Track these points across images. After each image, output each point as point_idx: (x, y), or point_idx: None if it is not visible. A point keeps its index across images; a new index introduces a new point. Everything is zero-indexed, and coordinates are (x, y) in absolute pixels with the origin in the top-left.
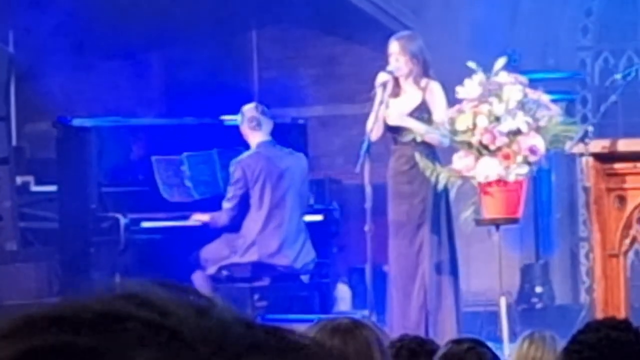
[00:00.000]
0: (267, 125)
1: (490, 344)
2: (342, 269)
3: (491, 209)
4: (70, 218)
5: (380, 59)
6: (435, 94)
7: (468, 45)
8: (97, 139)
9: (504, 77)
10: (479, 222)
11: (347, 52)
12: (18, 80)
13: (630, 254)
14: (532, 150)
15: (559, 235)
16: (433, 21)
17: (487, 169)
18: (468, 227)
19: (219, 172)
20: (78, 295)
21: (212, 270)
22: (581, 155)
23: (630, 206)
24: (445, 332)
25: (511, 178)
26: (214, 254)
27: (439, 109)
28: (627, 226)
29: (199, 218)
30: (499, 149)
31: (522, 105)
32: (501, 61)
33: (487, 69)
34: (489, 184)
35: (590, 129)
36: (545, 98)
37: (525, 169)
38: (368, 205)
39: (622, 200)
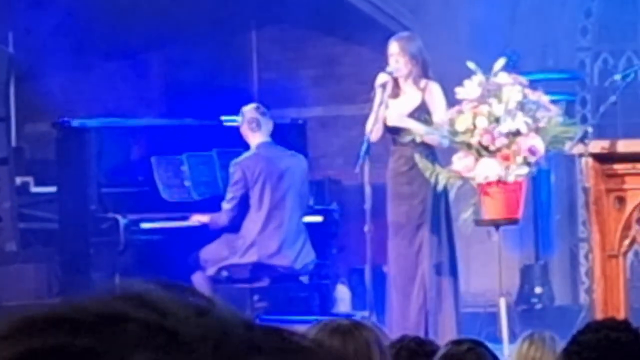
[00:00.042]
0: (267, 126)
1: (489, 345)
2: (342, 269)
3: (491, 209)
4: (69, 219)
5: (379, 60)
6: (434, 94)
7: (467, 46)
8: (96, 139)
9: (503, 77)
10: (478, 223)
11: (346, 53)
12: (18, 81)
13: (630, 255)
14: (532, 151)
15: (559, 236)
16: (432, 21)
17: (487, 169)
18: (468, 227)
19: (219, 172)
20: (78, 295)
21: (211, 271)
22: (580, 156)
23: (629, 207)
24: (445, 333)
25: (511, 179)
26: (214, 254)
27: (439, 109)
28: (627, 227)
29: (198, 219)
30: (498, 149)
31: (521, 106)
32: (501, 62)
33: (487, 69)
34: (489, 184)
35: (590, 129)
36: (545, 99)
37: (524, 170)
38: (367, 206)
39: (621, 201)
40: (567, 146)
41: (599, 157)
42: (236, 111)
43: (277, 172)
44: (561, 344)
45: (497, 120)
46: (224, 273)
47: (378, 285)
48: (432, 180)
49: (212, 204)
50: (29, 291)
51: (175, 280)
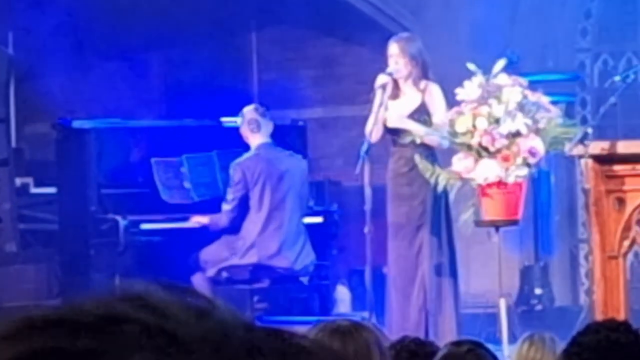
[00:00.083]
0: (267, 127)
1: (489, 346)
2: (342, 270)
3: (491, 210)
4: (69, 220)
5: (379, 61)
6: (434, 95)
7: (467, 47)
8: (96, 140)
9: (503, 79)
10: (478, 224)
11: (346, 54)
12: (17, 82)
13: (630, 256)
14: (532, 152)
15: (559, 237)
16: (432, 22)
17: (487, 170)
18: (468, 228)
19: (219, 173)
20: (78, 296)
21: (211, 272)
22: (580, 157)
23: (629, 208)
24: (445, 334)
25: (511, 180)
26: (214, 255)
27: (439, 110)
28: (627, 228)
29: (198, 220)
30: (498, 150)
31: (521, 107)
32: (501, 63)
33: (487, 70)
34: (489, 185)
35: (590, 130)
36: (545, 100)
37: (524, 171)
38: (367, 207)
39: (621, 202)
40: (567, 147)
41: (599, 158)
42: (236, 112)
43: (277, 173)
44: (561, 345)
45: (497, 121)
46: (224, 274)
47: (378, 286)
48: (432, 181)
49: (212, 205)
50: (28, 292)
51: (175, 281)
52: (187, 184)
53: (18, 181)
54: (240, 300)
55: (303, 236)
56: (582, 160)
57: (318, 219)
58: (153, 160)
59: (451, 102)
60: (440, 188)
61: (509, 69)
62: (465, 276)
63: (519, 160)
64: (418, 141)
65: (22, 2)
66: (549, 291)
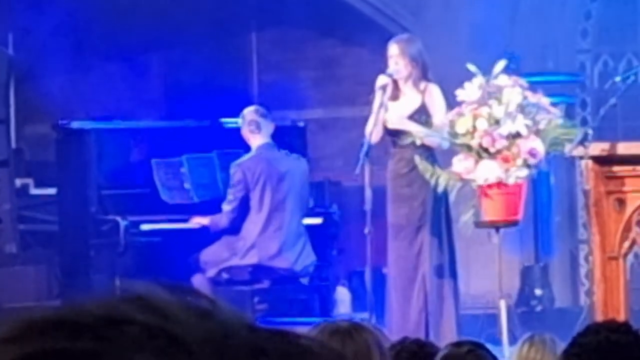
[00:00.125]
0: (267, 127)
1: (489, 347)
2: (342, 271)
3: (491, 211)
4: (69, 220)
5: (379, 61)
6: (434, 96)
7: (467, 48)
8: (96, 141)
9: (503, 80)
10: (478, 225)
11: (346, 54)
12: (17, 82)
13: (630, 257)
14: (532, 153)
15: (559, 237)
16: (432, 23)
17: (487, 171)
18: (468, 229)
19: (219, 174)
20: (79, 297)
21: (212, 272)
22: (581, 158)
23: (629, 209)
24: (445, 335)
25: (511, 181)
26: (214, 256)
27: (439, 111)
28: (627, 229)
29: (199, 221)
30: (498, 151)
31: (521, 108)
32: (501, 64)
33: (487, 71)
34: (489, 186)
35: (590, 131)
36: (545, 101)
37: (524, 172)
38: (368, 207)
39: (621, 203)
40: (567, 148)
41: (599, 160)
42: (236, 113)
43: (278, 174)
44: (561, 346)
45: (497, 122)
46: (224, 275)
47: (378, 287)
48: (432, 182)
49: (212, 206)
50: (28, 293)
51: (176, 282)
52: (187, 185)
53: (18, 182)
54: (240, 301)
55: (303, 237)
56: (582, 161)
57: (318, 220)
58: (153, 160)
59: (451, 103)
60: (440, 189)
61: (509, 70)
62: (465, 277)
63: (519, 161)
64: (418, 142)
65: (22, 3)
66: (549, 292)
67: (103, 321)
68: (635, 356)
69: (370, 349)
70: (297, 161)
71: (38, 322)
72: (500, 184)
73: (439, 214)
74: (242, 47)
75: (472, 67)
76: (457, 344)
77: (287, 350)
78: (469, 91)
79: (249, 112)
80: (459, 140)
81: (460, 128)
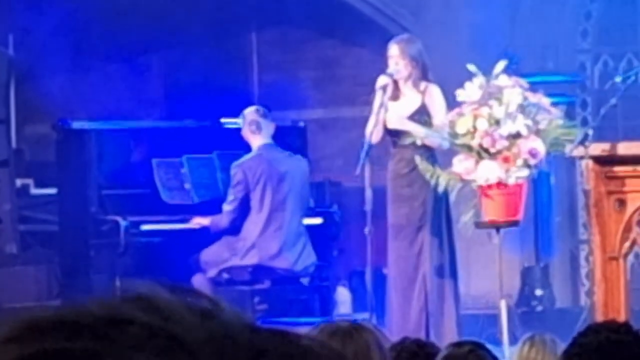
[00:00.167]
0: (268, 128)
1: (490, 347)
2: (342, 271)
3: (491, 211)
4: (70, 221)
5: (379, 62)
6: (434, 97)
7: (467, 48)
8: (96, 141)
9: (504, 80)
10: (479, 225)
11: (346, 55)
12: (18, 83)
13: (630, 257)
14: (532, 153)
15: (559, 238)
16: (432, 23)
17: (487, 172)
18: (468, 230)
19: (219, 174)
20: (80, 298)
21: (212, 273)
22: (581, 158)
23: (630, 209)
24: (446, 335)
25: (511, 181)
26: (214, 256)
27: (439, 112)
28: (627, 229)
29: (199, 222)
30: (499, 152)
31: (522, 109)
32: (501, 64)
33: (487, 71)
34: (489, 186)
35: (590, 132)
36: (546, 101)
37: (525, 172)
38: (368, 208)
39: (622, 203)
40: (568, 148)
41: (600, 160)
42: (236, 113)
43: (278, 174)
44: (562, 346)
45: (498, 122)
46: (225, 275)
47: (379, 287)
48: (433, 182)
49: (212, 206)
50: (28, 293)
51: (177, 282)
52: (187, 185)
53: (18, 182)
54: (240, 301)
55: (304, 237)
56: (583, 162)
57: (318, 220)
58: (153, 161)
59: (451, 103)
60: (440, 189)
61: (510, 70)
62: (465, 277)
63: (520, 162)
64: (418, 142)
65: (22, 3)
66: (549, 292)
67: (103, 321)
68: (635, 356)
69: (371, 349)
70: (298, 161)
71: (38, 322)
72: (500, 184)
73: (440, 214)
74: (242, 47)
75: (472, 68)
76: (458, 344)
77: (288, 350)
78: (469, 91)
79: (250, 112)
80: (459, 141)
81: (461, 128)
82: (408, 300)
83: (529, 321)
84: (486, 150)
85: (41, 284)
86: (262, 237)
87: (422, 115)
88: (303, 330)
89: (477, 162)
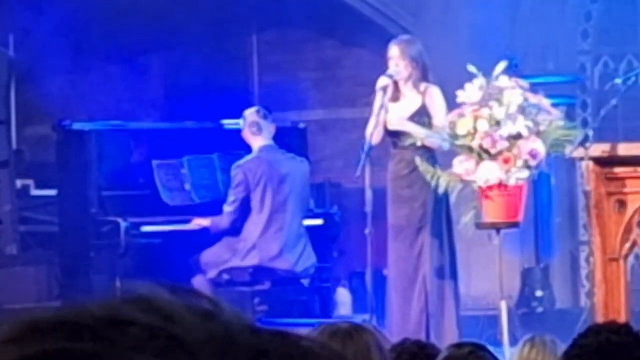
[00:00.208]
0: (269, 129)
1: (490, 348)
2: (343, 273)
3: (491, 212)
4: (70, 222)
5: (379, 62)
6: (434, 98)
7: (468, 49)
8: (97, 142)
9: (504, 81)
10: (479, 226)
11: (346, 56)
12: (18, 83)
13: (631, 258)
14: (533, 154)
15: (559, 239)
16: (432, 24)
17: (488, 172)
18: (468, 231)
19: (220, 175)
20: (80, 299)
21: (212, 274)
22: (581, 159)
23: (630, 210)
24: (446, 336)
25: (511, 182)
26: (215, 257)
27: (439, 113)
28: (627, 230)
29: (199, 223)
30: (499, 152)
31: (522, 110)
32: (501, 65)
33: (487, 72)
34: (489, 187)
35: (590, 133)
36: (546, 102)
37: (525, 173)
38: (368, 209)
39: (622, 204)
40: (568, 149)
41: (600, 161)
42: (237, 114)
43: (279, 175)
44: (562, 348)
45: (498, 123)
46: (225, 276)
47: (379, 288)
48: (433, 183)
49: (212, 207)
50: (29, 294)
51: (178, 283)
52: (187, 186)
53: (18, 183)
54: (240, 302)
55: (304, 238)
56: (583, 163)
57: (318, 221)
58: (154, 162)
59: (451, 104)
60: (441, 190)
61: (510, 71)
62: (466, 278)
63: (520, 163)
64: (418, 143)
65: (22, 4)
66: (549, 293)
67: (104, 322)
68: (635, 358)
69: (371, 350)
70: (298, 163)
71: (39, 323)
72: (500, 185)
73: (440, 215)
74: (242, 48)
75: (472, 68)
76: (458, 345)
77: (289, 351)
78: (469, 92)
79: (250, 113)
80: (459, 142)
81: (461, 129)
82: (408, 301)
83: (529, 322)
84: (486, 151)
85: (41, 285)
86: (263, 238)
87: (422, 116)
88: (303, 331)
89: (477, 163)
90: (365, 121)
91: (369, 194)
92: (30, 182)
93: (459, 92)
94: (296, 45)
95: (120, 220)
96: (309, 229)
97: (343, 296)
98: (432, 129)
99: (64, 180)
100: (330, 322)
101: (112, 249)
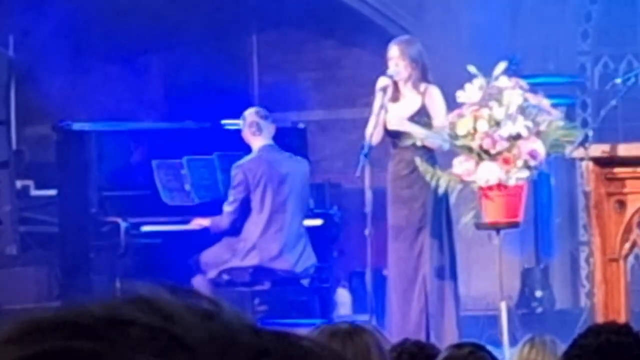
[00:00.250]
0: (269, 129)
1: (490, 348)
2: (343, 273)
3: (491, 213)
4: (70, 222)
5: (379, 63)
6: (434, 98)
7: (468, 49)
8: (97, 142)
9: (504, 81)
10: (479, 227)
11: (346, 56)
12: (18, 84)
13: (631, 258)
14: (533, 155)
15: (559, 239)
16: (433, 25)
17: (488, 173)
18: (468, 231)
19: (220, 176)
20: (80, 299)
21: (212, 274)
22: (581, 159)
23: (630, 210)
24: (446, 337)
25: (511, 182)
26: (215, 257)
27: (439, 113)
28: (627, 230)
29: (199, 223)
30: (499, 153)
31: (522, 110)
32: (501, 66)
33: (487, 72)
34: (489, 188)
35: (590, 133)
36: (546, 102)
37: (525, 173)
38: (368, 209)
39: (622, 204)
40: (568, 150)
41: (600, 161)
42: (237, 114)
43: (279, 175)
44: (562, 348)
45: (498, 123)
46: (225, 276)
47: (379, 288)
48: (433, 183)
49: (212, 208)
50: (29, 294)
51: (178, 283)
52: (187, 186)
53: (18, 183)
54: (240, 303)
55: (304, 239)
56: (583, 163)
57: (318, 222)
58: (154, 162)
59: (451, 104)
60: (441, 191)
61: (510, 71)
62: (466, 279)
63: (520, 163)
64: (418, 144)
65: (22, 4)
66: (549, 294)
67: (104, 322)
68: (635, 358)
69: (371, 350)
70: (298, 163)
71: (39, 322)
72: (500, 186)
73: (440, 215)
74: (242, 49)
75: (472, 69)
76: (458, 346)
77: (289, 351)
78: (469, 93)
79: (250, 113)
80: (459, 142)
81: (461, 130)
82: (408, 301)
83: (529, 322)
84: (486, 152)
85: (41, 286)
86: (263, 239)
87: (422, 117)
88: (303, 331)
89: (477, 164)
90: (365, 121)
91: (368, 195)
92: (30, 182)
93: (459, 93)
94: (296, 45)
95: (120, 220)
96: (309, 229)
97: (343, 297)
98: (432, 130)
99: (64, 180)
100: (330, 322)
101: (112, 250)
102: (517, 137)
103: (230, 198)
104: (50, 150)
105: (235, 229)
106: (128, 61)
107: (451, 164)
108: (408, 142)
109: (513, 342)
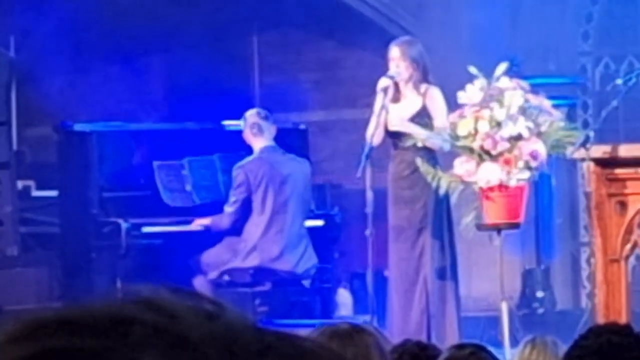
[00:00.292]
0: (270, 130)
1: (491, 349)
2: (344, 274)
3: (492, 214)
4: (71, 223)
5: (380, 63)
6: (435, 99)
7: (468, 50)
8: (98, 143)
9: (505, 82)
10: (480, 227)
11: (347, 57)
12: (19, 84)
13: (632, 259)
14: (534, 156)
15: (560, 240)
16: (433, 25)
17: (489, 174)
18: (469, 232)
19: (221, 177)
20: (83, 299)
21: (213, 274)
22: (582, 160)
23: (631, 211)
24: (447, 337)
25: (512, 183)
26: (216, 258)
27: (440, 114)
28: (628, 231)
29: (200, 222)
30: (500, 154)
31: (523, 111)
32: (502, 66)
33: (488, 73)
34: (491, 189)
35: (591, 134)
36: (547, 103)
37: (526, 174)
38: (369, 210)
39: (623, 205)
40: (569, 151)
41: (601, 162)
42: (238, 115)
43: (280, 176)
44: (563, 349)
45: (499, 124)
46: (226, 277)
47: (380, 289)
48: (434, 184)
49: (213, 208)
50: (30, 295)
51: (177, 284)
52: (188, 187)
53: (19, 184)
54: (241, 303)
55: (305, 239)
56: (584, 164)
57: (319, 222)
58: (155, 163)
59: (452, 105)
60: (441, 191)
61: (511, 72)
62: (467, 279)
63: (521, 164)
64: (419, 144)
65: (22, 5)
66: (550, 294)
67: (108, 321)
68: (636, 358)
69: (371, 351)
70: (300, 164)
71: (46, 321)
72: (501, 187)
73: (441, 216)
74: (243, 49)
75: (473, 70)
76: (459, 347)
77: (290, 351)
78: (470, 93)
79: (251, 114)
80: (460, 143)
81: (462, 130)
82: (409, 302)
83: (530, 323)
84: (487, 153)
85: (42, 286)
86: (264, 239)
87: (423, 118)
88: (304, 332)
89: (478, 164)
90: (366, 122)
91: (369, 195)
92: (31, 183)
93: (460, 93)
94: (297, 46)
95: (121, 221)
96: (310, 230)
97: (344, 297)
98: (433, 130)
99: (65, 181)
100: (331, 323)
101: (113, 250)
102: (518, 137)
103: (232, 199)
104: (51, 150)
105: (236, 230)
106: (128, 61)
107: (452, 165)
108: (409, 143)
109: (514, 342)
